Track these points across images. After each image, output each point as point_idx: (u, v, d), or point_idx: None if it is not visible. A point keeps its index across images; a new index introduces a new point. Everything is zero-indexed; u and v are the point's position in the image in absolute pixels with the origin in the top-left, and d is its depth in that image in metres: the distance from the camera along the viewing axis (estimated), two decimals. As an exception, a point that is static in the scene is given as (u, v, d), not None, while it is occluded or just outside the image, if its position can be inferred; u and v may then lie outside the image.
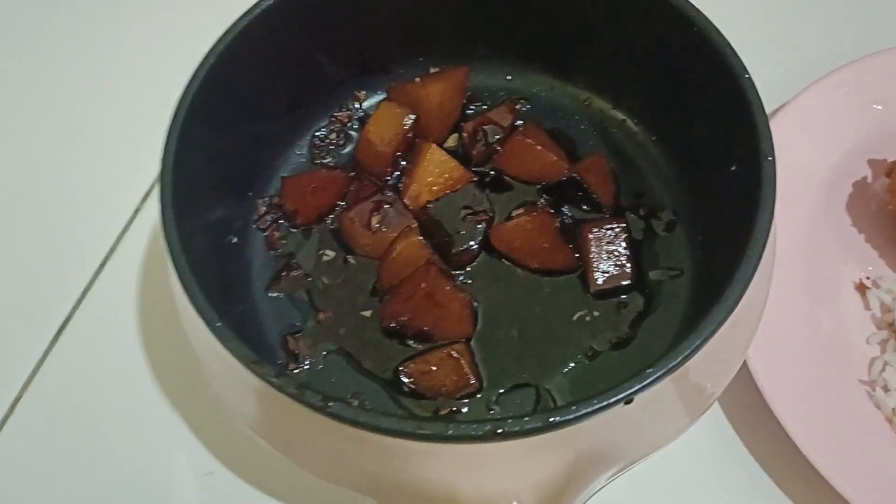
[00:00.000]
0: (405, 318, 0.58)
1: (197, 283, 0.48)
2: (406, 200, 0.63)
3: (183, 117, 0.54)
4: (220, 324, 0.46)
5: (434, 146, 0.64)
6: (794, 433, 0.58)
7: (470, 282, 0.61)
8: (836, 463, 0.57)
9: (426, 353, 0.57)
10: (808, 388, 0.61)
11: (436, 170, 0.63)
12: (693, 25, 0.55)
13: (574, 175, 0.63)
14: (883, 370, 0.62)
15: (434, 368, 0.56)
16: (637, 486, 0.61)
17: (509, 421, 0.42)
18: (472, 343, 0.58)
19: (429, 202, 0.62)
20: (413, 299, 0.57)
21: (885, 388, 0.62)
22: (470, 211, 0.61)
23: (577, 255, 0.60)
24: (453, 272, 0.61)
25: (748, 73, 0.52)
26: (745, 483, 0.62)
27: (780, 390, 0.60)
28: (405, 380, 0.57)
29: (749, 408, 0.63)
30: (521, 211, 0.62)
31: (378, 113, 0.66)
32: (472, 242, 0.61)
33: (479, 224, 0.61)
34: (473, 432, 0.43)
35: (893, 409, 0.61)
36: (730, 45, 0.54)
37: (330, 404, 0.43)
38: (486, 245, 0.61)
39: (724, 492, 0.62)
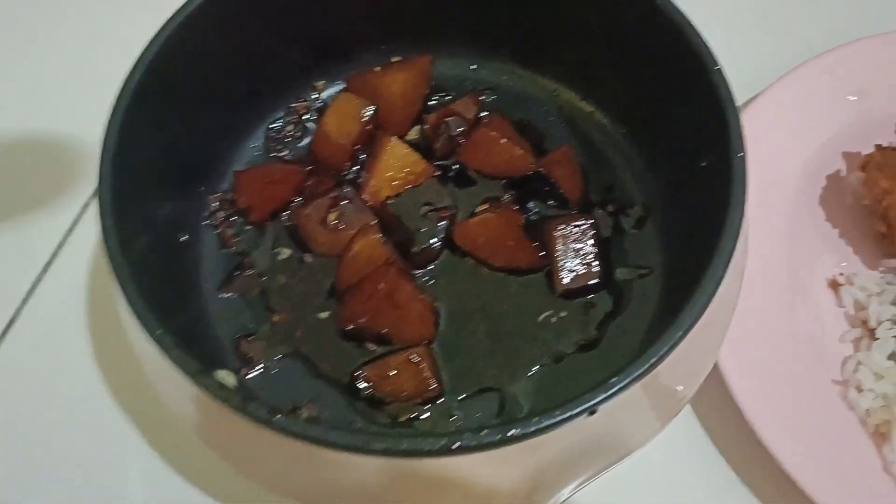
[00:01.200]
0: (363, 321, 0.55)
1: (137, 287, 0.45)
2: (365, 196, 0.60)
3: (124, 108, 0.51)
4: (160, 331, 0.44)
5: (395, 139, 0.61)
6: (766, 436, 0.57)
7: (432, 281, 0.58)
8: (809, 466, 0.56)
9: (385, 356, 0.55)
10: (779, 388, 0.60)
11: (396, 164, 0.60)
12: (663, 15, 0.53)
13: (540, 169, 0.60)
14: (856, 370, 0.61)
15: (393, 373, 0.54)
16: (604, 490, 0.59)
17: (466, 435, 0.40)
18: (434, 346, 0.56)
19: (389, 198, 0.59)
20: (372, 301, 0.55)
21: (859, 389, 0.60)
22: (432, 207, 0.59)
23: (542, 253, 0.58)
24: (414, 271, 0.58)
25: (718, 66, 0.50)
26: (716, 486, 0.60)
27: (751, 390, 0.58)
28: (363, 385, 0.54)
29: (720, 408, 0.61)
30: (485, 207, 0.60)
31: (336, 104, 0.63)
32: (433, 240, 0.58)
33: (441, 221, 0.58)
34: (428, 447, 0.41)
35: (867, 411, 0.59)
36: (700, 36, 0.51)
37: (276, 417, 0.41)
38: (448, 243, 0.59)
39: (695, 495, 0.60)
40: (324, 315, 0.57)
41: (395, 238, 0.58)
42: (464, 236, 0.59)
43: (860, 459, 0.58)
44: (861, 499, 0.56)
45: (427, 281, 0.58)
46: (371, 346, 0.56)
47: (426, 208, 0.59)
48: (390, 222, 0.59)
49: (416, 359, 0.54)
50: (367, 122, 0.62)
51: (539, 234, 0.59)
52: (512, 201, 0.61)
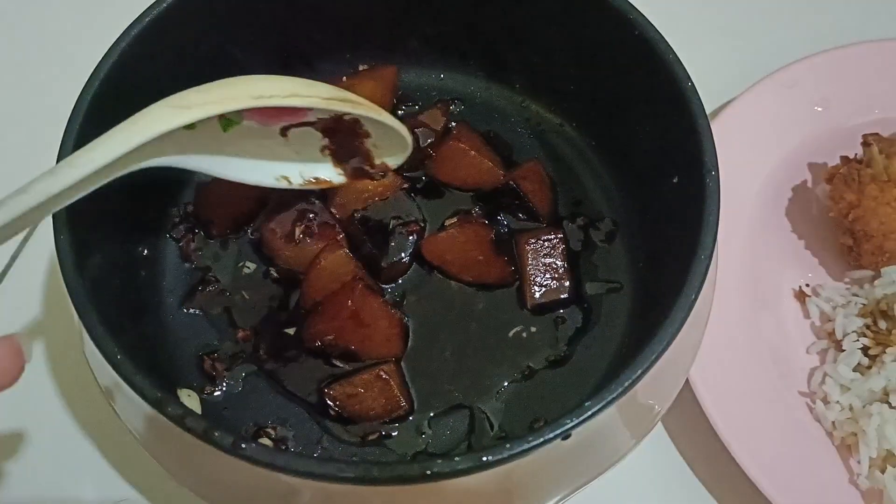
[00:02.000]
0: (330, 338, 0.54)
1: (93, 309, 0.44)
2: (332, 209, 0.59)
3: (81, 119, 0.49)
4: (120, 357, 0.42)
5: None
6: (733, 447, 0.57)
7: (400, 296, 0.57)
8: (776, 478, 0.56)
9: (353, 374, 0.54)
10: (747, 400, 0.60)
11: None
12: (634, 28, 0.52)
13: (510, 182, 0.59)
14: (823, 382, 0.61)
15: (361, 391, 0.53)
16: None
17: (439, 461, 0.40)
18: (403, 363, 0.55)
19: (356, 211, 0.58)
20: (339, 318, 0.53)
21: (825, 401, 0.61)
22: (400, 221, 0.58)
23: (512, 267, 0.57)
24: (383, 286, 0.57)
25: (691, 82, 0.50)
26: (684, 497, 0.60)
27: (719, 402, 0.59)
28: (331, 403, 0.53)
29: (689, 421, 0.61)
30: (454, 220, 0.59)
31: None
32: (402, 254, 0.57)
33: (409, 235, 0.57)
34: (400, 474, 0.40)
35: (834, 423, 0.60)
36: (672, 50, 0.51)
37: (243, 446, 0.40)
38: (417, 257, 0.58)
39: (664, 509, 0.60)
40: (290, 331, 0.56)
41: (363, 252, 0.57)
42: (432, 251, 0.58)
43: (827, 471, 0.59)
44: (828, 510, 0.57)
45: (395, 296, 0.57)
46: (339, 364, 0.55)
47: (395, 222, 0.58)
48: (358, 236, 0.57)
49: (384, 376, 0.53)
50: None
51: (509, 248, 0.58)
52: (481, 215, 0.60)
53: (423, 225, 0.58)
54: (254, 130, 0.51)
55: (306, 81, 0.51)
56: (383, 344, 0.54)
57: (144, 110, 0.44)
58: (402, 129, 0.54)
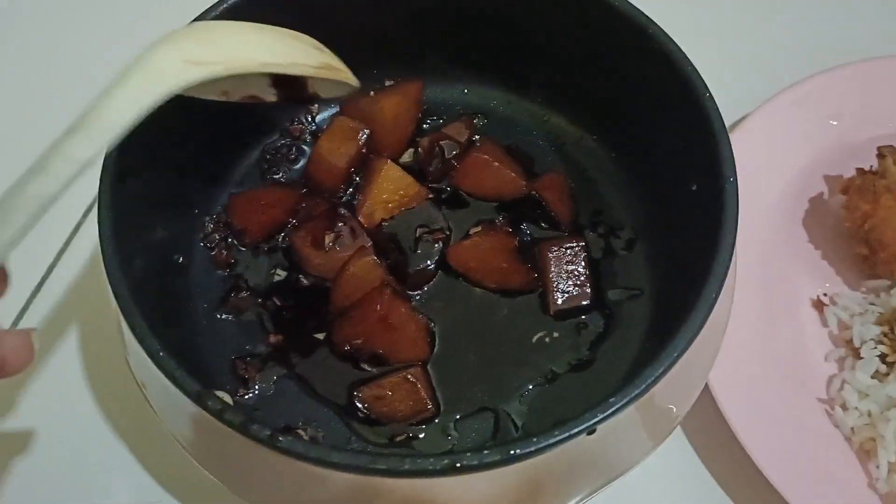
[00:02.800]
0: (359, 342, 0.55)
1: (138, 309, 0.45)
2: (360, 218, 0.61)
3: (117, 149, 0.51)
4: (163, 353, 0.44)
5: (389, 162, 0.62)
6: (754, 453, 0.58)
7: (426, 302, 0.59)
8: (796, 483, 0.57)
9: (381, 377, 0.55)
10: (767, 407, 0.61)
11: (391, 186, 0.61)
12: (653, 42, 0.54)
13: (532, 193, 0.61)
14: (841, 388, 0.62)
15: (389, 393, 0.54)
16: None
17: (468, 454, 0.41)
18: (429, 366, 0.56)
19: (384, 220, 0.60)
20: (367, 322, 0.55)
21: (844, 407, 0.62)
22: (426, 230, 0.59)
23: (535, 274, 0.59)
24: (409, 292, 0.59)
25: (709, 92, 0.51)
26: (705, 502, 0.61)
27: (739, 408, 0.59)
28: (360, 405, 0.55)
29: (709, 426, 0.62)
30: (478, 229, 0.61)
31: (331, 128, 0.64)
32: (428, 262, 0.59)
33: (435, 243, 0.59)
34: (431, 467, 0.41)
35: (852, 428, 0.60)
36: (690, 62, 0.53)
37: (280, 439, 0.41)
38: (442, 264, 0.60)
39: (685, 513, 0.61)
40: (319, 336, 0.58)
41: (390, 260, 0.59)
42: (458, 258, 0.59)
43: (846, 476, 0.59)
44: (848, 515, 0.58)
45: (421, 302, 0.59)
46: (366, 367, 0.56)
47: (421, 230, 0.59)
48: (385, 244, 0.59)
49: (411, 379, 0.54)
50: (361, 146, 0.62)
51: (532, 255, 0.60)
52: (505, 223, 0.61)
53: (448, 233, 0.60)
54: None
55: (294, 37, 0.51)
56: (410, 348, 0.56)
57: (151, 56, 0.42)
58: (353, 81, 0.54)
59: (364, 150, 0.63)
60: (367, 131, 0.63)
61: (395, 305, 0.55)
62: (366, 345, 0.55)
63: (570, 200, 0.63)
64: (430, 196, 0.62)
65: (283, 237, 0.61)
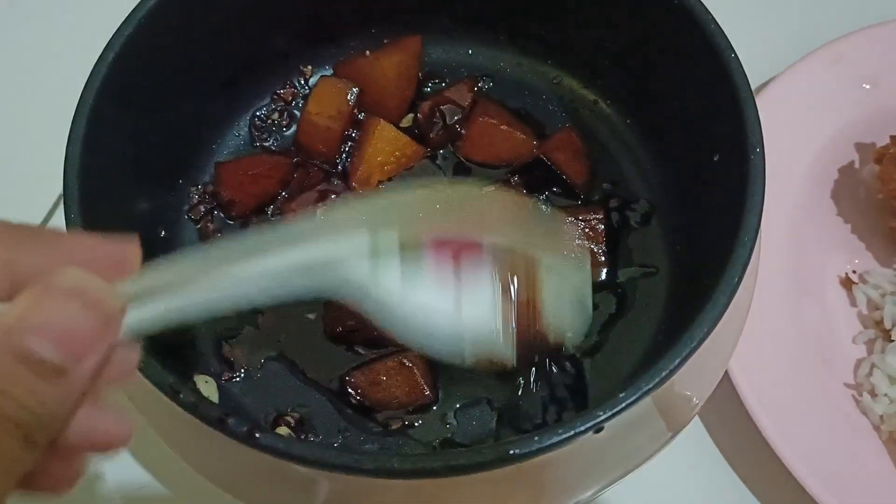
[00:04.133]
0: (352, 323, 0.52)
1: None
2: (355, 183, 0.57)
3: (93, 97, 0.47)
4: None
5: (383, 122, 0.58)
6: (775, 441, 0.54)
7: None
8: (820, 474, 0.54)
9: (375, 361, 0.52)
10: (789, 393, 0.57)
11: (386, 147, 0.58)
12: (675, -2, 0.49)
13: (540, 156, 0.57)
14: (870, 373, 0.58)
15: (384, 378, 0.51)
16: (609, 499, 0.56)
17: (463, 454, 0.38)
18: None
19: (381, 182, 0.56)
20: None
21: (873, 393, 0.58)
22: None
23: None
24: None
25: (734, 52, 0.47)
26: (723, 494, 0.58)
27: (759, 395, 0.56)
28: (352, 391, 0.51)
29: (727, 414, 0.58)
30: (492, 188, 0.57)
31: (317, 90, 0.60)
32: None
33: None
34: (423, 466, 0.38)
35: (881, 417, 0.57)
36: (714, 19, 0.48)
37: (257, 435, 0.38)
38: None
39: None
40: (311, 316, 0.55)
41: None
42: None
43: (874, 466, 0.56)
44: (874, 508, 0.54)
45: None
46: (360, 350, 0.53)
47: None
48: None
49: (407, 363, 0.51)
50: (352, 106, 0.59)
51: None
52: (520, 184, 0.58)
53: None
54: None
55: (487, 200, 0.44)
56: None
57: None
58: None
59: (355, 111, 0.59)
60: (356, 90, 0.59)
61: None
62: (359, 326, 0.52)
63: (584, 160, 0.58)
64: (428, 154, 0.58)
65: (273, 209, 0.58)
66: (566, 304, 0.42)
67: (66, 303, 0.26)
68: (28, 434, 0.25)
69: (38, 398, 0.25)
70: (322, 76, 0.62)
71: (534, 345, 0.42)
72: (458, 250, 0.38)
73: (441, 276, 0.38)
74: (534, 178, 0.58)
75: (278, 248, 0.33)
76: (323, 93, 0.59)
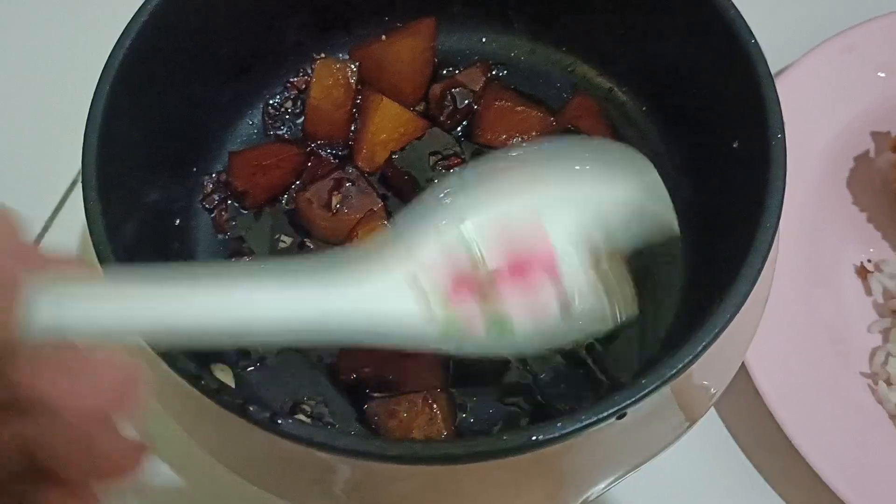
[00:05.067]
0: (367, 370, 0.50)
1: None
2: (360, 163, 0.57)
3: (110, 81, 0.47)
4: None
5: (385, 98, 0.58)
6: (791, 431, 0.54)
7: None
8: (836, 464, 0.53)
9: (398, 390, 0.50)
10: (805, 382, 0.57)
11: (389, 124, 0.57)
12: (692, -19, 0.49)
13: (568, 126, 0.57)
14: (886, 362, 0.58)
15: (405, 414, 0.49)
16: (626, 491, 0.56)
17: (485, 440, 0.37)
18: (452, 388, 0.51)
19: (394, 152, 0.56)
20: (377, 350, 0.49)
21: (888, 382, 0.57)
22: (440, 156, 0.55)
23: None
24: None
25: (755, 38, 0.46)
26: (739, 484, 0.57)
27: (775, 385, 0.55)
28: (368, 417, 0.50)
29: (743, 404, 0.58)
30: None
31: (317, 75, 0.58)
32: None
33: (451, 169, 0.55)
34: (446, 452, 0.38)
35: (897, 405, 0.56)
36: (733, 4, 0.48)
37: (279, 421, 0.38)
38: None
39: (717, 495, 0.57)
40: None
41: (405, 198, 0.55)
42: None
43: (890, 456, 0.56)
44: (891, 497, 0.54)
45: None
46: (376, 395, 0.51)
47: (434, 158, 0.55)
48: (397, 180, 0.55)
49: (431, 403, 0.49)
50: (355, 84, 0.58)
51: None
52: None
53: (463, 157, 0.56)
54: None
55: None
56: (425, 375, 0.50)
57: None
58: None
59: (358, 87, 0.59)
60: (354, 66, 0.58)
61: None
62: (375, 372, 0.50)
63: (605, 122, 0.59)
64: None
65: (288, 199, 0.57)
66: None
67: None
68: None
69: None
70: (320, 59, 0.61)
71: None
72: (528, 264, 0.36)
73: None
74: None
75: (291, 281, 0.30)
76: (323, 76, 0.58)
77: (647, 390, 0.38)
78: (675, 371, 0.39)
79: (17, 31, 0.77)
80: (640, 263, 0.54)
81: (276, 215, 0.57)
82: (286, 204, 0.58)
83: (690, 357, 0.39)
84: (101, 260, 0.42)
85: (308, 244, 0.56)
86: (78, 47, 0.63)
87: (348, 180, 0.55)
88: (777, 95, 0.45)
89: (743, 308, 0.41)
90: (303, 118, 0.60)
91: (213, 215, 0.57)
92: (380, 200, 0.55)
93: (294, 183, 0.58)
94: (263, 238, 0.56)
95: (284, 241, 0.56)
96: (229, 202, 0.57)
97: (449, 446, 0.38)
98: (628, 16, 0.56)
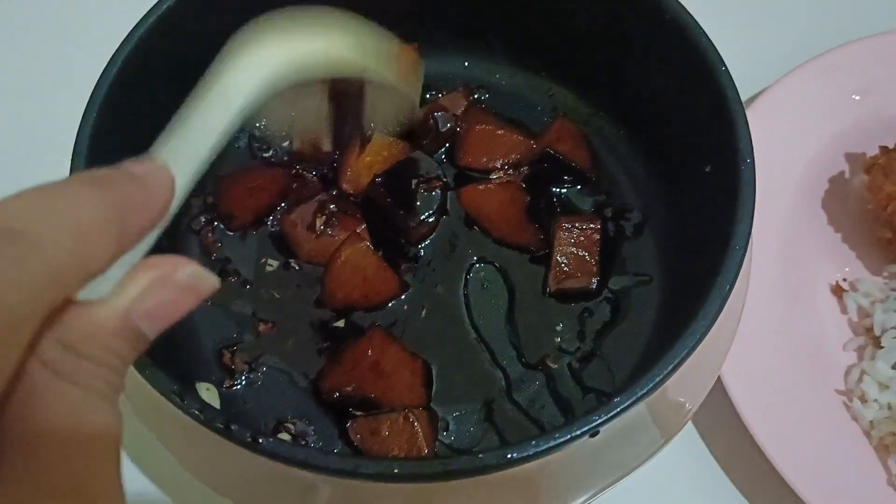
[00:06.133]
0: (349, 389, 0.51)
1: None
2: (345, 185, 0.58)
3: (97, 110, 0.48)
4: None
5: None
6: (767, 447, 0.55)
7: (423, 283, 0.56)
8: (812, 479, 0.54)
9: (381, 413, 0.51)
10: (781, 399, 0.58)
11: (373, 148, 0.58)
12: (665, 11, 0.50)
13: (546, 149, 0.58)
14: (860, 380, 0.59)
15: (386, 433, 0.50)
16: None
17: (462, 458, 0.38)
18: (433, 405, 0.52)
19: (377, 175, 0.56)
20: (358, 368, 0.51)
21: (863, 399, 0.59)
22: (422, 179, 0.56)
23: (542, 236, 0.57)
24: (412, 246, 0.57)
25: (725, 66, 0.48)
26: (716, 499, 0.58)
27: (752, 401, 0.56)
28: (350, 435, 0.50)
29: (720, 420, 0.59)
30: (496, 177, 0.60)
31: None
32: (428, 212, 0.56)
33: (433, 191, 0.56)
34: (423, 471, 0.38)
35: (871, 422, 0.57)
36: (705, 33, 0.49)
37: (260, 441, 0.39)
38: (443, 211, 0.57)
39: (695, 510, 0.58)
40: (313, 323, 0.55)
41: (388, 219, 0.56)
42: (469, 199, 0.58)
43: (864, 472, 0.57)
44: (866, 513, 0.55)
45: (419, 280, 0.56)
46: (358, 413, 0.51)
47: (416, 181, 0.56)
48: (381, 202, 0.56)
49: (412, 420, 0.49)
50: None
51: (546, 225, 0.57)
52: (521, 178, 0.60)
53: (445, 180, 0.57)
54: None
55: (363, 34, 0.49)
56: (406, 394, 0.51)
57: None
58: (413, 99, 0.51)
59: None
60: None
61: (387, 349, 0.51)
62: (357, 392, 0.51)
63: (585, 144, 0.60)
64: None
65: (273, 221, 0.58)
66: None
67: (182, 295, 0.29)
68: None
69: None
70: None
71: None
72: None
73: None
74: (543, 171, 0.59)
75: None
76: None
77: (619, 409, 0.39)
78: (647, 389, 0.40)
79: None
80: (619, 285, 0.56)
81: (262, 237, 0.58)
82: (271, 226, 0.58)
83: (663, 375, 0.40)
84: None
85: (294, 265, 0.57)
86: (69, 66, 0.64)
87: (332, 202, 0.56)
88: (746, 122, 0.46)
89: (715, 326, 0.43)
90: (288, 140, 0.61)
91: (199, 237, 0.58)
92: (362, 222, 0.56)
93: (279, 205, 0.58)
94: (250, 260, 0.57)
95: (271, 265, 0.57)
96: (215, 224, 0.58)
97: (426, 465, 0.38)
98: (605, 44, 0.58)
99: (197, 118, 0.36)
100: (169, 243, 0.56)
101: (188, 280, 0.29)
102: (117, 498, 0.27)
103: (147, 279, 0.28)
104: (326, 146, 0.51)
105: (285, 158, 0.61)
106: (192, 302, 0.30)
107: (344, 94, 0.50)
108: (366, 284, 0.54)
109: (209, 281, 0.30)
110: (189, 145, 0.35)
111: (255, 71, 0.40)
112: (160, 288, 0.29)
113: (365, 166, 0.58)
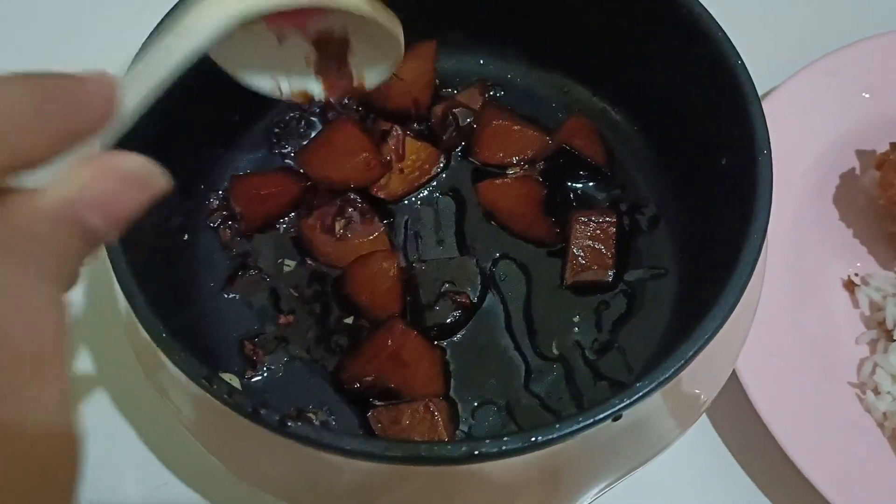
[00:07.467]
0: (369, 379, 0.52)
1: (139, 288, 0.43)
2: (378, 192, 0.59)
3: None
4: (166, 336, 0.42)
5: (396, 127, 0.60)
6: (782, 438, 0.55)
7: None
8: (826, 470, 0.55)
9: (402, 402, 0.52)
10: (795, 392, 0.58)
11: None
12: (681, 7, 0.51)
13: (563, 145, 0.59)
14: (873, 372, 0.60)
15: (407, 422, 0.50)
16: (619, 498, 0.57)
17: (487, 442, 0.39)
18: (452, 394, 0.53)
19: (418, 262, 0.57)
20: (378, 358, 0.52)
21: (876, 391, 0.59)
22: (453, 288, 0.55)
23: (557, 230, 0.58)
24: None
25: (741, 59, 0.49)
26: (731, 491, 0.59)
27: (766, 394, 0.57)
28: (372, 423, 0.51)
29: (734, 412, 0.60)
30: (514, 172, 0.61)
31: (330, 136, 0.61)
32: (444, 321, 0.55)
33: (457, 309, 0.55)
34: (448, 454, 0.39)
35: (885, 414, 0.58)
36: (721, 27, 0.50)
37: (288, 423, 0.39)
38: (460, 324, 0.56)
39: (709, 500, 0.59)
40: (332, 317, 0.56)
41: (410, 298, 0.56)
42: (487, 194, 0.59)
43: (878, 463, 0.57)
44: (878, 502, 0.55)
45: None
46: (378, 403, 0.52)
47: (447, 286, 0.55)
48: (409, 282, 0.56)
49: (432, 409, 0.50)
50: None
51: (562, 219, 0.58)
52: (537, 172, 0.60)
53: (474, 302, 0.56)
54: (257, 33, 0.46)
55: None
56: (425, 383, 0.52)
57: None
58: (396, 31, 0.48)
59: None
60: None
61: (406, 340, 0.52)
62: (377, 382, 0.52)
63: (600, 140, 0.61)
64: (442, 162, 0.60)
65: (289, 225, 0.59)
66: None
67: (127, 187, 0.28)
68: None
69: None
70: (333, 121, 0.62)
71: None
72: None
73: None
74: (559, 167, 0.60)
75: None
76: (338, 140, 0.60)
77: (642, 392, 0.40)
78: (668, 374, 0.40)
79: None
80: (635, 278, 0.57)
81: (279, 238, 0.59)
82: (291, 230, 0.59)
83: (684, 360, 0.41)
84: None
85: (310, 263, 0.57)
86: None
87: (351, 205, 0.57)
88: (763, 113, 0.47)
89: (732, 317, 0.43)
90: (309, 136, 0.62)
91: (217, 232, 0.59)
92: (382, 226, 0.57)
93: (289, 214, 0.59)
94: (269, 256, 0.58)
95: (289, 265, 0.58)
96: (231, 221, 0.59)
97: (453, 447, 0.39)
98: (619, 41, 0.58)
99: (161, 42, 0.34)
100: (191, 238, 0.58)
101: (134, 172, 0.29)
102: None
103: (90, 171, 0.27)
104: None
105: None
106: (141, 196, 0.29)
107: (326, 39, 0.49)
108: (389, 293, 0.55)
109: (157, 175, 0.30)
110: (148, 66, 0.33)
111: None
112: (103, 178, 0.28)
113: (395, 171, 0.59)
